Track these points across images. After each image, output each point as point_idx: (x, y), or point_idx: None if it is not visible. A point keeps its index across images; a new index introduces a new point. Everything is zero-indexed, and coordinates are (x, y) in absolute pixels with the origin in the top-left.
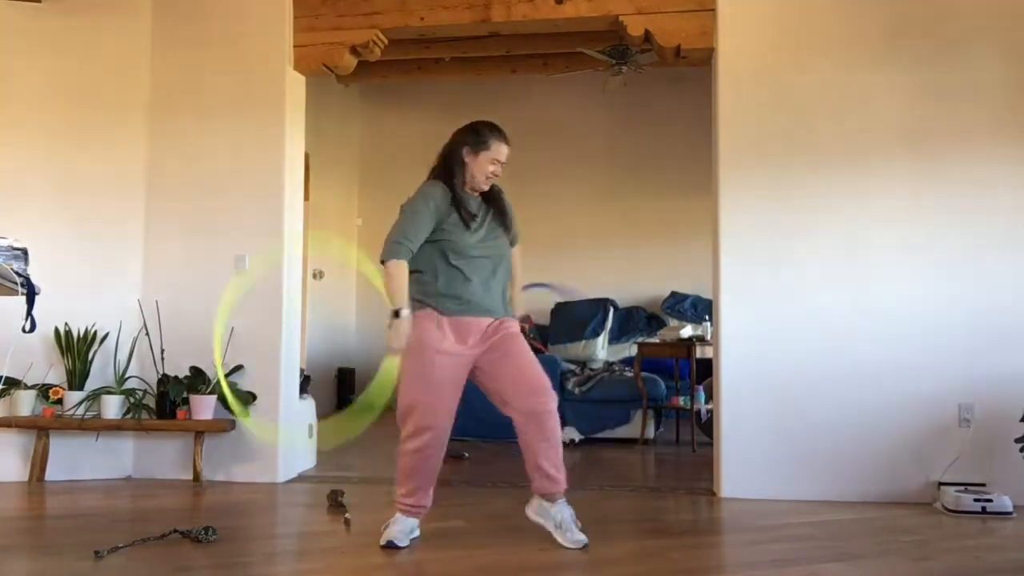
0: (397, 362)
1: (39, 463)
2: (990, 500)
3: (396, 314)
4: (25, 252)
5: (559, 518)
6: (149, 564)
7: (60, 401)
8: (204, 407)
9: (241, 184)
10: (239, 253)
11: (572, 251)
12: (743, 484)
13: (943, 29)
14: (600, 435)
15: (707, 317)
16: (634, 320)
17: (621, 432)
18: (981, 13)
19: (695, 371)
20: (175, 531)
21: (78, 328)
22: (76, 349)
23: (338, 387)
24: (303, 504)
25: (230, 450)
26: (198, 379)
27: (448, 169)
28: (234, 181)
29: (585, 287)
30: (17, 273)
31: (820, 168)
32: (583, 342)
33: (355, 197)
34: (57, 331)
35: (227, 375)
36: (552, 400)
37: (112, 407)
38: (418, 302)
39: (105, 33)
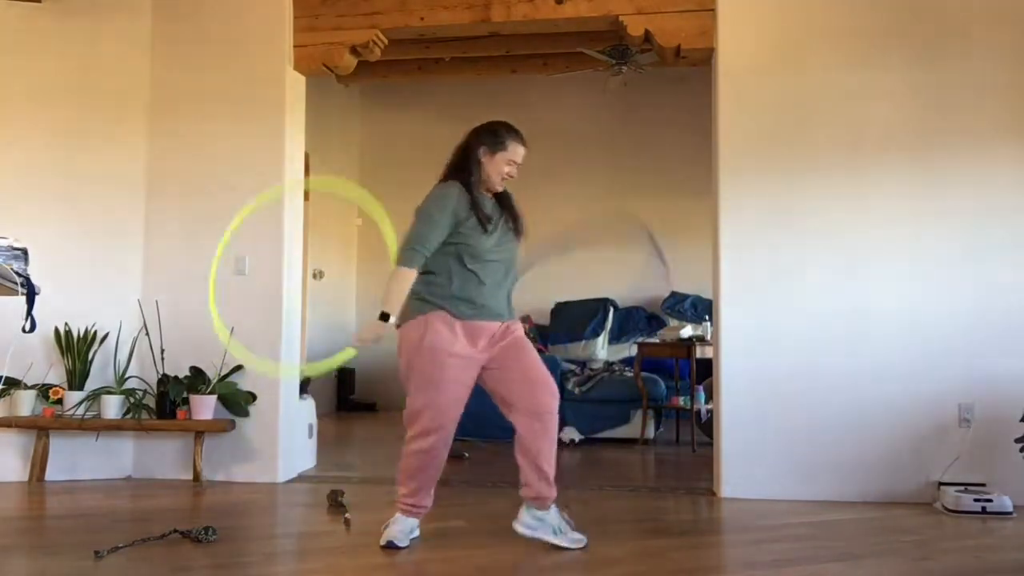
0: (352, 355)
1: (39, 463)
2: (990, 500)
3: (384, 317)
4: (25, 252)
5: (556, 522)
6: (149, 564)
7: (60, 401)
8: (204, 407)
9: (241, 184)
10: (239, 253)
11: (572, 251)
12: (743, 484)
13: (943, 30)
14: (600, 435)
15: (707, 317)
16: (634, 320)
17: (621, 432)
18: (981, 14)
19: (695, 371)
20: (175, 531)
21: (78, 328)
22: (76, 349)
23: (338, 387)
24: (303, 504)
25: (230, 450)
26: (198, 379)
27: (465, 169)
28: (234, 181)
29: (585, 287)
30: (17, 273)
31: (820, 168)
32: (583, 342)
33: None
34: (57, 331)
35: (226, 376)
36: (557, 403)
37: (112, 407)
38: (429, 304)
39: (105, 33)
